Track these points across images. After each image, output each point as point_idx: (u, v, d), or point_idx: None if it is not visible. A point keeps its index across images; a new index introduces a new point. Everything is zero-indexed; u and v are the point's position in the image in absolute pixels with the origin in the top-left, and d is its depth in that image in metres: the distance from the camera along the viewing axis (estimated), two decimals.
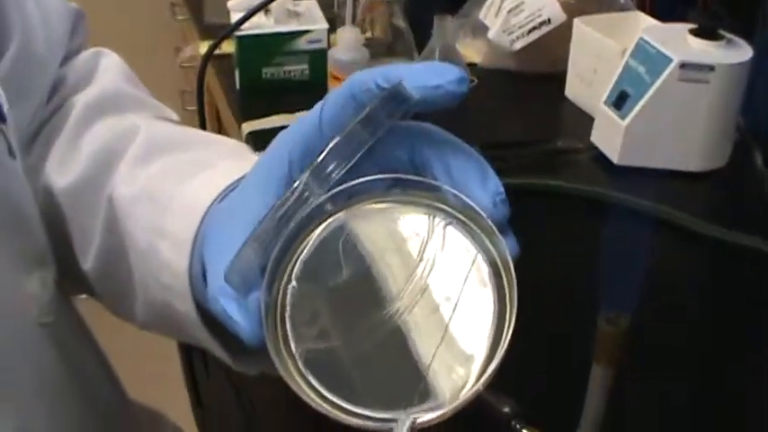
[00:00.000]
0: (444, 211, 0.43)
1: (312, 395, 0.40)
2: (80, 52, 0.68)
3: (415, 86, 0.41)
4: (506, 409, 0.62)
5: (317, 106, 0.45)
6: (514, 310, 0.40)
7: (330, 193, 0.43)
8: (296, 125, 0.45)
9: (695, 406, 0.67)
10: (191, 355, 0.99)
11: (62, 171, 0.60)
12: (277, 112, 1.10)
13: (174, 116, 0.67)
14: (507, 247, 0.41)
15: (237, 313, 0.43)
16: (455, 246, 0.42)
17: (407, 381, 0.40)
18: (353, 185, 0.43)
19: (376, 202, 0.44)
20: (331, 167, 0.42)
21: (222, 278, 0.43)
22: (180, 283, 0.51)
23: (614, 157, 0.98)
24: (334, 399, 0.40)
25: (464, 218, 0.42)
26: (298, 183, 0.42)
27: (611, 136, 0.99)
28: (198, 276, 0.50)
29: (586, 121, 1.05)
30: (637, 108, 0.95)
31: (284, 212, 0.42)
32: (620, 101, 0.97)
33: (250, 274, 0.43)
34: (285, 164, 0.44)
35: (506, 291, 0.40)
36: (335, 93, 0.44)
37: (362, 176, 0.43)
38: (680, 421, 0.65)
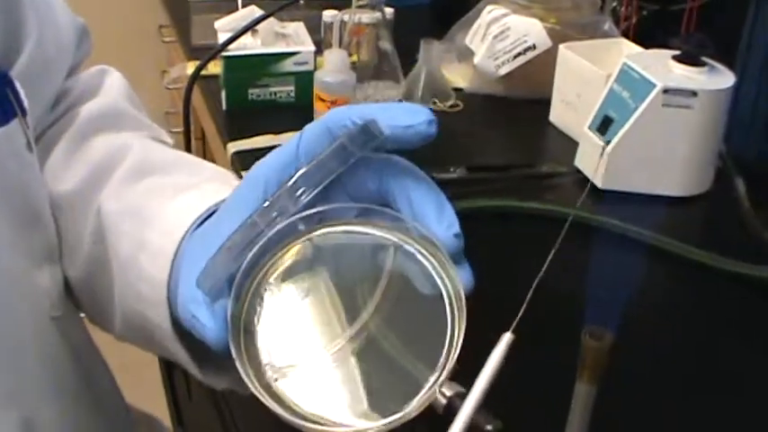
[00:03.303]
0: (405, 240, 0.46)
1: (275, 405, 0.42)
2: (82, 67, 0.71)
3: (387, 125, 0.44)
4: (489, 428, 0.62)
5: (295, 138, 0.47)
6: (461, 336, 0.43)
7: (302, 214, 0.45)
8: (273, 155, 0.48)
9: (676, 426, 0.67)
10: (172, 376, 0.98)
11: (58, 179, 0.62)
12: (263, 133, 1.10)
13: (168, 139, 0.70)
14: (461, 277, 0.44)
15: (205, 316, 0.45)
16: (413, 272, 0.45)
17: (371, 392, 0.44)
18: (325, 210, 0.46)
19: (344, 228, 0.47)
20: (300, 191, 0.44)
21: (193, 290, 0.46)
22: (157, 294, 0.53)
23: (598, 182, 0.99)
24: (301, 409, 0.43)
25: (422, 248, 0.45)
26: (269, 200, 0.45)
27: (594, 160, 0.99)
28: (175, 291, 0.51)
29: (570, 145, 1.06)
30: (620, 133, 0.95)
31: (255, 225, 0.45)
32: (603, 126, 0.98)
33: (219, 282, 0.45)
34: (261, 191, 0.47)
35: (456, 316, 0.44)
36: (313, 126, 0.47)
37: (334, 203, 0.47)
38: None
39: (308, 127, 0.47)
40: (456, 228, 0.45)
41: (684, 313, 0.82)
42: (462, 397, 0.64)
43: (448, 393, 0.64)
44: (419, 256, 0.45)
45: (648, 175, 0.98)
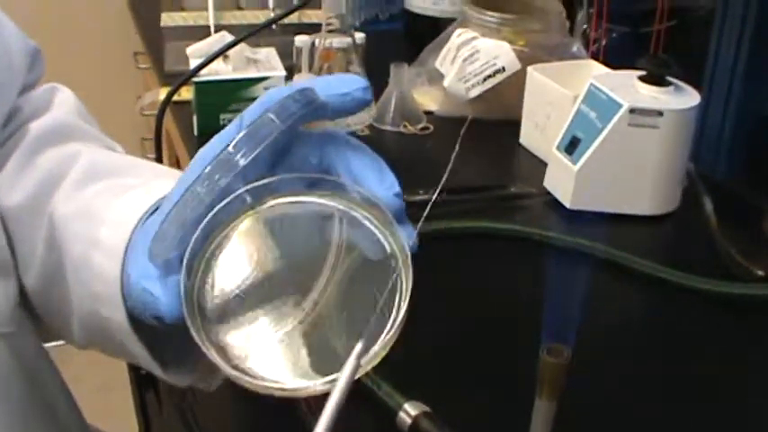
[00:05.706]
0: (350, 206, 0.48)
1: (231, 370, 0.44)
2: (36, 87, 0.72)
3: (324, 94, 0.46)
4: None
5: (236, 120, 0.49)
6: (407, 297, 0.45)
7: (249, 187, 0.47)
8: (215, 138, 0.49)
9: None
10: (142, 390, 0.98)
11: (10, 192, 0.63)
12: None
13: (119, 148, 0.71)
14: (404, 236, 0.46)
15: (157, 289, 0.46)
16: (360, 238, 0.47)
17: (318, 358, 0.45)
18: (271, 182, 0.47)
19: (290, 200, 0.48)
20: (240, 154, 0.45)
21: (143, 267, 0.47)
22: (111, 290, 0.53)
23: (566, 202, 0.99)
24: (253, 373, 0.45)
25: (366, 212, 0.47)
26: (209, 167, 0.46)
27: (563, 181, 1.00)
28: (128, 285, 0.52)
29: (540, 167, 1.07)
30: (588, 153, 0.96)
31: (196, 193, 0.46)
32: (571, 146, 0.99)
33: (169, 250, 0.46)
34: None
35: (403, 277, 0.45)
36: (252, 107, 0.48)
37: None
38: None
39: (248, 108, 0.49)
40: (396, 188, 0.47)
41: (653, 331, 0.83)
42: (429, 417, 0.64)
43: (413, 413, 0.65)
44: (364, 221, 0.47)
45: (617, 194, 0.98)
